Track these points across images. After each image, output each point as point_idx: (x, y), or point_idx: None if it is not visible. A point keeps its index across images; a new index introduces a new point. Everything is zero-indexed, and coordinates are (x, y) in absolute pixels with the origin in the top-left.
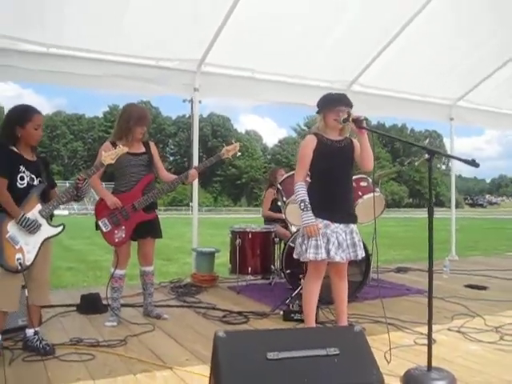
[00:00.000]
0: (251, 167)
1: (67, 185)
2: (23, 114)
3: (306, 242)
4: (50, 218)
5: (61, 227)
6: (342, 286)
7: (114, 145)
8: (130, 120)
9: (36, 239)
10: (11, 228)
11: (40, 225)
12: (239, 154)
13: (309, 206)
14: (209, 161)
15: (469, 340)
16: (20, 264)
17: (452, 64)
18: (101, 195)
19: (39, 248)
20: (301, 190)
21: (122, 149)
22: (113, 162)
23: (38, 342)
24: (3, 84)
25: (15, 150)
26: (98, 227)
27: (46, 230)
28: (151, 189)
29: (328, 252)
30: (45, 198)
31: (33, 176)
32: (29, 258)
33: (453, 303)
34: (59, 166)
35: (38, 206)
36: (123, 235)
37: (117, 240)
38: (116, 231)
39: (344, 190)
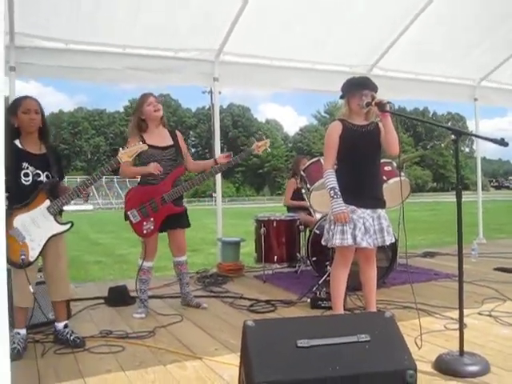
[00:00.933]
0: (273, 156)
1: None
2: (14, 102)
3: (332, 227)
4: (59, 214)
5: (69, 224)
6: (370, 272)
7: (142, 138)
8: (138, 105)
9: (42, 235)
10: (17, 222)
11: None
12: (269, 150)
13: (339, 193)
14: (239, 156)
15: (500, 324)
16: (23, 260)
17: (474, 43)
18: (139, 173)
19: (44, 245)
20: (330, 178)
21: (140, 146)
22: (130, 159)
23: (69, 335)
24: (25, 84)
25: (19, 145)
26: (126, 218)
27: (53, 227)
28: (180, 181)
29: (354, 238)
30: (54, 193)
31: (38, 171)
32: (33, 255)
33: (483, 287)
34: (82, 161)
35: (47, 203)
36: (152, 227)
37: (145, 231)
38: (145, 222)
39: (371, 175)
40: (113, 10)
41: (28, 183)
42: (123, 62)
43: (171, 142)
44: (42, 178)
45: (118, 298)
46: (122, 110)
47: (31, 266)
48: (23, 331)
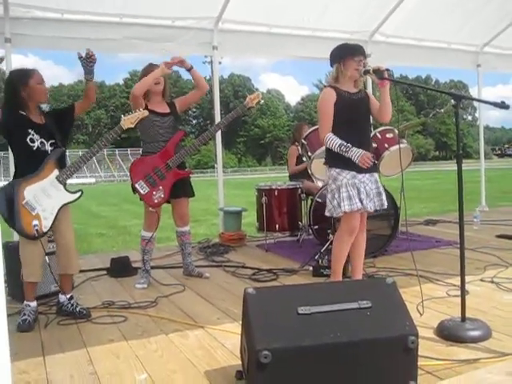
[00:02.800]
0: (274, 126)
1: None
2: (23, 73)
3: (337, 196)
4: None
5: (79, 193)
6: (362, 237)
7: (145, 105)
8: (142, 74)
9: (53, 205)
10: (28, 194)
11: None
12: (262, 101)
13: (349, 144)
14: (235, 111)
15: (502, 290)
16: (37, 231)
17: (477, 8)
18: (153, 77)
19: (56, 214)
20: (333, 137)
21: (142, 112)
22: (132, 125)
23: (74, 307)
24: (23, 57)
25: (24, 113)
26: (135, 190)
27: (64, 196)
28: (182, 147)
29: (361, 201)
30: (62, 162)
31: (43, 140)
32: (46, 225)
33: (485, 254)
34: (84, 135)
35: (56, 172)
36: (162, 195)
37: (156, 201)
38: (154, 192)
39: (366, 141)
40: None
41: (34, 148)
42: (120, 32)
43: (168, 110)
44: (47, 146)
45: (120, 268)
46: (121, 82)
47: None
48: (33, 303)
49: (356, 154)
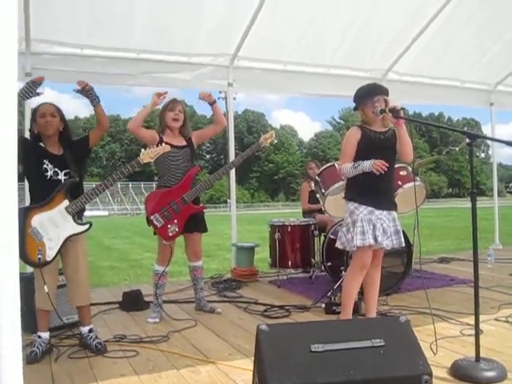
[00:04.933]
0: (288, 162)
1: None
2: (33, 110)
3: (351, 230)
4: (78, 213)
5: (87, 225)
6: (376, 274)
7: (159, 134)
8: (163, 108)
9: (59, 235)
10: (35, 222)
11: None
12: (275, 141)
13: (358, 161)
14: (250, 149)
15: None
16: (39, 259)
17: (489, 47)
18: (147, 110)
19: (62, 245)
20: (345, 165)
21: (163, 147)
22: (152, 160)
23: (92, 340)
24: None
25: (41, 145)
26: (149, 223)
27: (71, 227)
28: (197, 182)
29: (375, 238)
30: (74, 193)
31: (56, 169)
32: (50, 254)
33: (499, 292)
34: (98, 167)
35: (65, 202)
36: (176, 229)
37: (171, 234)
38: (169, 225)
39: (388, 180)
40: (127, 16)
41: (47, 178)
42: (138, 67)
43: (185, 143)
44: (60, 176)
45: (132, 302)
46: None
47: (52, 268)
48: (45, 334)
49: (367, 164)
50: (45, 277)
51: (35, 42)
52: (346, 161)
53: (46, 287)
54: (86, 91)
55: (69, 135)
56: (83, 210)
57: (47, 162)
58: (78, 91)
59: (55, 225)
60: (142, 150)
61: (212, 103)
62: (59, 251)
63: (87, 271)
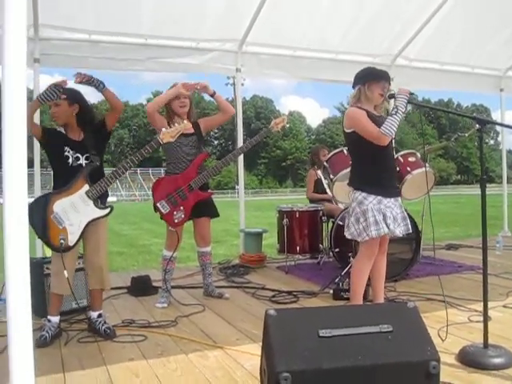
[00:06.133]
0: (296, 148)
1: None
2: None
3: (362, 220)
4: (101, 198)
5: (108, 209)
6: (383, 260)
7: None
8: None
9: (81, 220)
10: (57, 207)
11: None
12: (287, 125)
13: (393, 110)
14: (259, 135)
15: None
16: (62, 244)
17: (500, 32)
18: (166, 96)
19: (83, 229)
20: (386, 122)
21: (184, 125)
22: (173, 140)
23: (101, 325)
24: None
25: (62, 131)
26: (156, 209)
27: (92, 212)
28: (204, 168)
29: (388, 226)
30: (95, 177)
31: (78, 155)
32: (72, 239)
33: (507, 279)
34: (106, 154)
35: (86, 187)
36: (182, 215)
37: (176, 221)
38: (175, 212)
39: (391, 165)
40: (136, 1)
41: (69, 164)
42: (145, 53)
43: (192, 131)
44: (81, 161)
45: (141, 287)
46: (144, 102)
47: (73, 252)
48: (55, 318)
49: (400, 101)
50: (65, 261)
51: (43, 28)
52: (373, 126)
53: (66, 272)
54: (87, 82)
55: (87, 117)
56: (106, 195)
57: (68, 149)
58: (80, 83)
59: (76, 210)
60: (163, 129)
61: (212, 95)
62: (81, 236)
63: (107, 256)
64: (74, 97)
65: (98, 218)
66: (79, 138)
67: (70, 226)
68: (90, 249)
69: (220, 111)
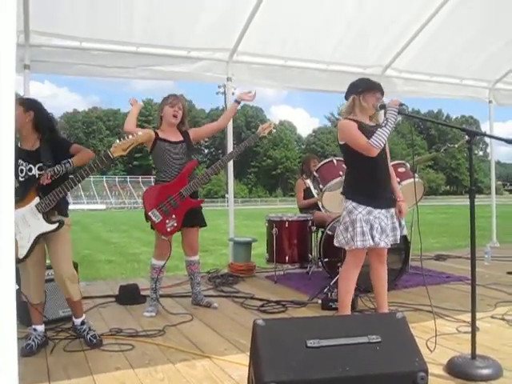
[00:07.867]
0: (286, 158)
1: (104, 179)
2: None
3: (350, 230)
4: (57, 208)
5: (56, 224)
6: (383, 271)
7: (155, 131)
8: (162, 103)
9: (30, 233)
10: None
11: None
12: (274, 130)
13: (384, 120)
14: (247, 141)
15: None
16: None
17: (489, 44)
18: (132, 116)
19: (33, 244)
20: (376, 135)
21: (135, 138)
22: (125, 153)
23: (85, 333)
24: (40, 84)
25: (18, 145)
26: (148, 219)
27: (40, 226)
28: (194, 176)
29: (373, 238)
30: (49, 189)
31: (30, 165)
32: (22, 252)
33: (495, 290)
34: None
35: (36, 200)
36: (175, 224)
37: (169, 229)
38: (167, 220)
39: (385, 176)
40: (129, 9)
41: (23, 180)
42: (136, 61)
43: (182, 138)
44: (34, 171)
45: (129, 296)
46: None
47: (35, 261)
48: (40, 327)
49: (391, 113)
50: (29, 270)
51: (34, 34)
52: (363, 138)
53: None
54: (53, 176)
55: (44, 125)
56: (65, 204)
57: (21, 161)
58: (49, 182)
59: (27, 223)
60: (117, 140)
61: (239, 102)
62: (32, 249)
63: (69, 266)
64: (29, 104)
65: (46, 233)
66: (33, 148)
67: (21, 240)
68: (52, 261)
69: (221, 119)
